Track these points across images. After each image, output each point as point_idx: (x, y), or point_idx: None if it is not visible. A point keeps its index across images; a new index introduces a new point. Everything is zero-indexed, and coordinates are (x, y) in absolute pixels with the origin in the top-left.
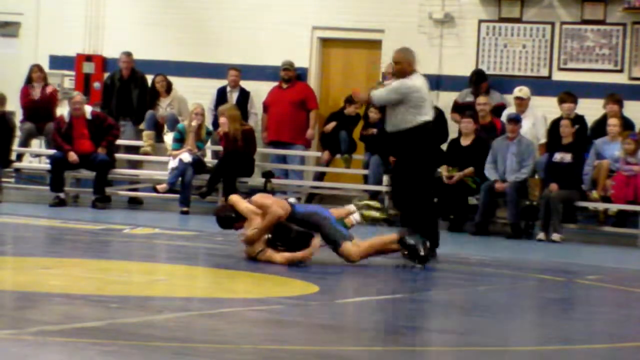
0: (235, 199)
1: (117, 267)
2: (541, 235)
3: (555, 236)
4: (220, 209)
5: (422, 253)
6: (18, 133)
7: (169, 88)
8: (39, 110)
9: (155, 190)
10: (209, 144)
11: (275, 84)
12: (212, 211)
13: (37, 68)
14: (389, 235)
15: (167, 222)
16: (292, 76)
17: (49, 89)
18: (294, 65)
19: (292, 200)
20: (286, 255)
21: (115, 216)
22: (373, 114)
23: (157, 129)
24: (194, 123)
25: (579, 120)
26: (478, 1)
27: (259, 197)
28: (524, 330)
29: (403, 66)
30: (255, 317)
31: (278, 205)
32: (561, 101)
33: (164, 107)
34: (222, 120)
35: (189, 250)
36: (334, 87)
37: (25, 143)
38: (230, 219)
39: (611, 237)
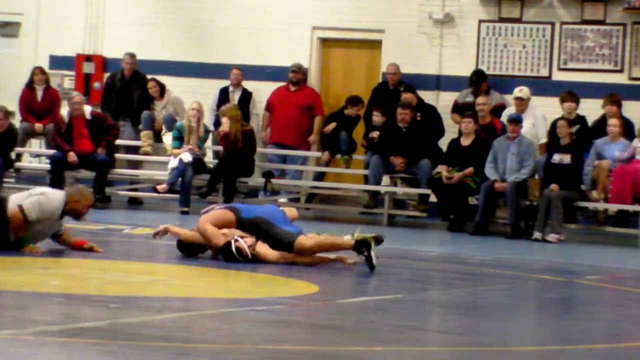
0: (174, 231)
1: (117, 267)
2: (537, 235)
3: (552, 237)
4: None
5: (374, 262)
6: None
7: (162, 91)
8: (40, 112)
9: (156, 191)
10: (209, 143)
11: (275, 84)
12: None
13: (38, 70)
14: (343, 240)
15: (167, 222)
16: (301, 79)
17: (51, 92)
18: (302, 68)
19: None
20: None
21: (115, 216)
22: (377, 117)
23: (155, 128)
24: (192, 118)
25: (580, 120)
26: (478, 1)
27: (203, 224)
28: (524, 330)
29: None
30: (255, 317)
31: (217, 235)
32: (562, 101)
33: (159, 110)
34: (224, 120)
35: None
36: (334, 87)
37: (22, 143)
38: (193, 247)
39: (611, 237)
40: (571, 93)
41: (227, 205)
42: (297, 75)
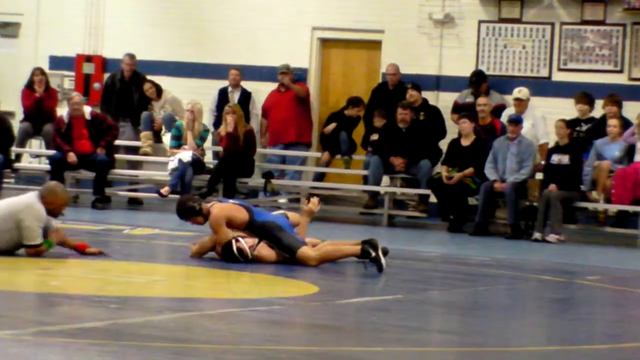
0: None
1: (117, 268)
2: (537, 235)
3: (552, 237)
4: (186, 198)
5: (383, 262)
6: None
7: (159, 92)
8: (40, 111)
9: (160, 194)
10: (209, 144)
11: (275, 84)
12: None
13: (38, 71)
14: (349, 247)
15: (167, 223)
16: (290, 79)
17: (50, 92)
18: (290, 68)
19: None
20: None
21: (115, 216)
22: (379, 120)
23: (154, 129)
24: (189, 117)
25: (592, 121)
26: (478, 1)
27: (215, 218)
28: (524, 330)
29: None
30: (255, 317)
31: (226, 232)
32: (576, 102)
33: (157, 111)
34: (229, 119)
35: (188, 251)
36: (334, 87)
37: (22, 143)
38: (192, 211)
39: (611, 237)
40: (586, 94)
41: (242, 203)
42: (285, 78)
